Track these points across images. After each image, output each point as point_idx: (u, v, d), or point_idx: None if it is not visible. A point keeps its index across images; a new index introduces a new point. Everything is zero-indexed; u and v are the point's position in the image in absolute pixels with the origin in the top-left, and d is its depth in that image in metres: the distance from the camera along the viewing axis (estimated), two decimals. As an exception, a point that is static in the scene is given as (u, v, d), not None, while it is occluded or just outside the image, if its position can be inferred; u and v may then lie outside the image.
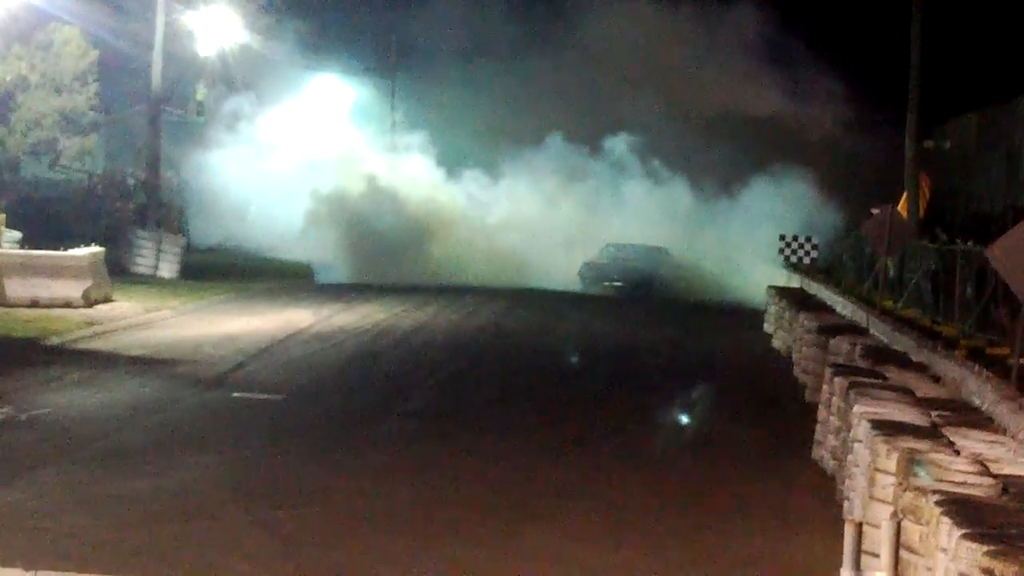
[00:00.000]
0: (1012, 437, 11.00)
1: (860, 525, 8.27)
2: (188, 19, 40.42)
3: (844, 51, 45.63)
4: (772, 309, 29.12)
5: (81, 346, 21.37)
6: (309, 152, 44.78)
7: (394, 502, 12.06)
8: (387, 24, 50.75)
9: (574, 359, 23.97)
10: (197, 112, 49.27)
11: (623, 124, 48.00)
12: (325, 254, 41.37)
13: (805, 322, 21.85)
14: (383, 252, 42.09)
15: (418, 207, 44.80)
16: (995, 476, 8.86)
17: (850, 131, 45.38)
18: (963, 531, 7.24)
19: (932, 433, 10.48)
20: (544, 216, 45.58)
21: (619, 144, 47.49)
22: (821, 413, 14.88)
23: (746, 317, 32.84)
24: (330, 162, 44.73)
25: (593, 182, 47.29)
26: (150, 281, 32.73)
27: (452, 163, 47.73)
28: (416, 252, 43.22)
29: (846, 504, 11.56)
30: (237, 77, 45.87)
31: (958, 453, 9.71)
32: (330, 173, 44.32)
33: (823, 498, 13.09)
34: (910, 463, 8.99)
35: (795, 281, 36.37)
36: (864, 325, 21.76)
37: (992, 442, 10.42)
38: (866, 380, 13.49)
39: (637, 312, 34.12)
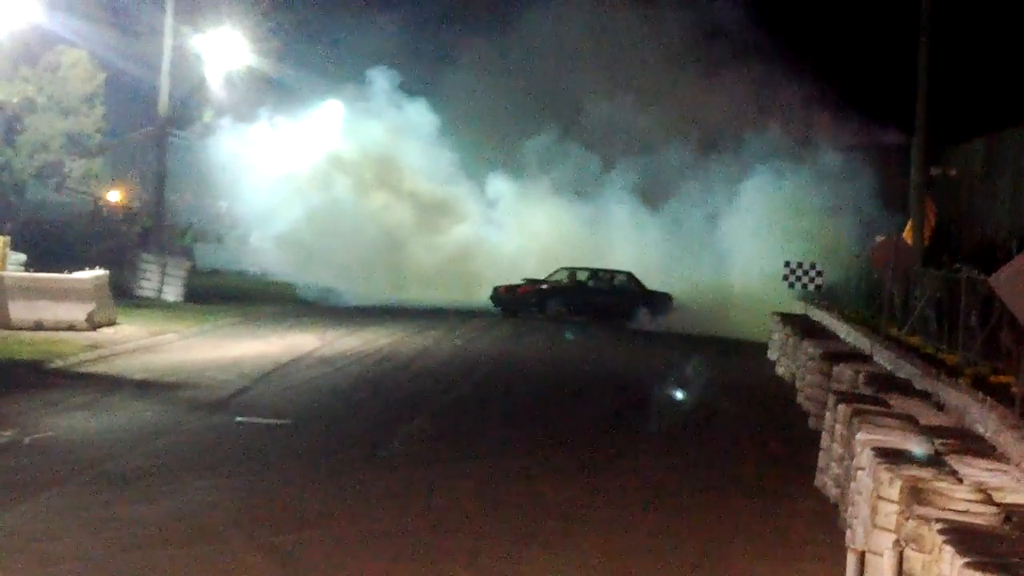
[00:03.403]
0: (1016, 466, 10.99)
1: (863, 554, 8.28)
2: (196, 42, 40.60)
3: (850, 76, 45.66)
4: (776, 336, 29.10)
5: (85, 369, 21.36)
6: (310, 173, 44.78)
7: (397, 527, 12.04)
8: (386, 39, 50.58)
9: (578, 386, 23.91)
10: (203, 135, 49.34)
11: (622, 145, 47.91)
12: (333, 278, 41.27)
13: (809, 349, 21.85)
14: (389, 274, 42.13)
15: (424, 226, 44.87)
16: (998, 505, 8.85)
17: (855, 157, 45.27)
18: (966, 560, 7.23)
19: (935, 461, 10.47)
20: (551, 235, 45.37)
21: (621, 170, 47.32)
22: (824, 440, 14.87)
23: (750, 344, 32.81)
24: (330, 182, 44.76)
25: (596, 202, 47.07)
26: (155, 304, 32.70)
27: (462, 178, 47.48)
28: (423, 273, 43.26)
29: (848, 532, 11.54)
30: (244, 100, 45.97)
31: (961, 481, 9.69)
32: (330, 193, 44.37)
33: (826, 526, 13.08)
34: (914, 492, 8.97)
35: (800, 308, 36.30)
36: (868, 352, 21.74)
37: (995, 471, 10.41)
38: (869, 408, 13.47)
39: (639, 338, 34.12)
